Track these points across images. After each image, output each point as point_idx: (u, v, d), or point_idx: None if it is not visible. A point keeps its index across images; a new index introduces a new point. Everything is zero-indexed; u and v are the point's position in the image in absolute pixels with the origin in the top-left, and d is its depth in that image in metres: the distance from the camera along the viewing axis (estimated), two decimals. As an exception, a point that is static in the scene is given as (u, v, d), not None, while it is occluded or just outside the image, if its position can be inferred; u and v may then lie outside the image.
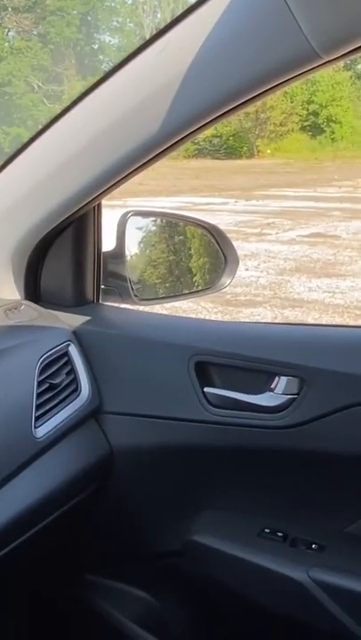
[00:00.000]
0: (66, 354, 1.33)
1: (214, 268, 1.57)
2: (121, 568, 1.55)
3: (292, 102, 31.78)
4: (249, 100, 1.06)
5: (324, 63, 0.96)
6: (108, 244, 1.46)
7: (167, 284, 1.61)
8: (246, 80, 1.02)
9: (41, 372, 1.24)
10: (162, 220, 1.73)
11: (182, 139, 1.14)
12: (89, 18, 39.25)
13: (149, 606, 1.52)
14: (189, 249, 1.69)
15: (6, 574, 1.29)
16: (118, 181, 1.24)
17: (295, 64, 0.96)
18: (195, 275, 1.65)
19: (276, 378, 1.27)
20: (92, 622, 1.59)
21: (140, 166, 1.20)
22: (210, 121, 1.10)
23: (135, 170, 1.21)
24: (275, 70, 0.98)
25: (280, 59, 0.96)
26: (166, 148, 1.16)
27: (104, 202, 1.39)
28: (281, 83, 1.02)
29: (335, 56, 0.94)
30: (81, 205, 1.27)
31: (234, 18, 0.98)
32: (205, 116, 1.08)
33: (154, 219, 1.72)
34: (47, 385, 1.26)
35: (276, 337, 1.36)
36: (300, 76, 1.00)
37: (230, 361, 1.30)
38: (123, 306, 1.47)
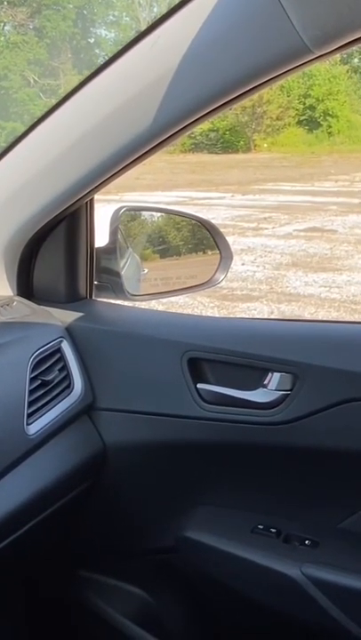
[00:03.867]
0: (58, 350, 1.33)
1: (208, 263, 1.57)
2: (115, 564, 1.55)
3: (288, 96, 31.72)
4: (242, 94, 1.05)
5: (317, 58, 0.96)
6: (101, 239, 1.45)
7: (161, 280, 1.60)
8: (239, 74, 1.01)
9: (33, 369, 1.24)
10: (155, 216, 1.73)
11: (176, 132, 1.13)
12: (85, 12, 39.14)
13: (143, 602, 1.52)
14: (183, 244, 1.69)
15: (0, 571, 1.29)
16: (112, 176, 1.23)
17: (287, 59, 0.96)
18: (188, 270, 1.64)
19: (270, 374, 1.27)
20: (85, 619, 1.59)
21: (134, 160, 1.20)
22: (204, 115, 1.10)
23: (129, 164, 1.21)
24: (267, 65, 0.98)
25: (272, 53, 0.96)
26: (160, 142, 1.15)
27: (99, 196, 1.38)
28: (273, 77, 1.01)
29: (327, 51, 0.93)
30: (74, 201, 1.27)
31: (226, 12, 0.98)
32: (199, 109, 1.08)
33: (147, 214, 1.71)
34: (39, 382, 1.25)
35: (269, 333, 1.35)
36: (293, 71, 1.00)
37: (223, 357, 1.29)
38: (116, 302, 1.47)
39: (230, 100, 1.07)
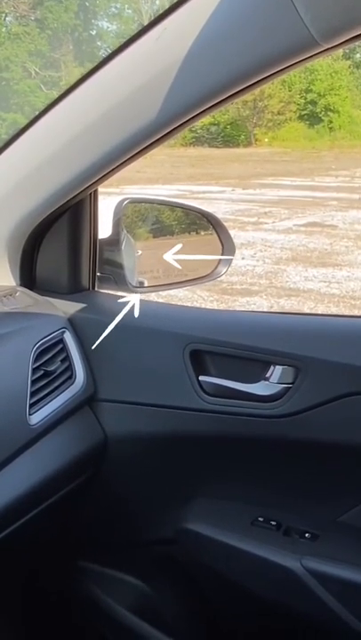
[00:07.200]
0: (61, 341, 1.33)
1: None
2: (114, 555, 1.56)
3: (290, 91, 31.71)
4: (247, 87, 1.05)
5: (324, 51, 0.95)
6: (104, 231, 1.45)
7: (163, 272, 1.60)
8: (244, 67, 1.01)
9: (36, 359, 1.24)
10: (158, 208, 1.73)
11: (179, 126, 1.13)
12: (87, 4, 39.02)
13: (142, 593, 1.52)
14: (185, 236, 1.69)
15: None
16: (115, 168, 1.23)
17: (294, 51, 0.95)
18: (191, 262, 1.64)
19: (272, 367, 1.27)
20: (84, 609, 1.59)
21: (137, 153, 1.19)
22: (207, 108, 1.09)
23: (132, 157, 1.20)
24: (273, 57, 0.97)
25: (279, 46, 0.95)
26: (163, 135, 1.15)
27: (100, 189, 1.38)
28: (279, 70, 1.00)
29: (334, 44, 0.93)
30: (77, 192, 1.26)
31: (234, 4, 0.97)
32: (203, 103, 1.07)
33: (150, 206, 1.71)
34: (42, 372, 1.25)
35: (272, 326, 1.35)
36: (299, 64, 0.99)
37: (225, 349, 1.30)
38: (118, 293, 1.47)
39: (236, 93, 1.06)
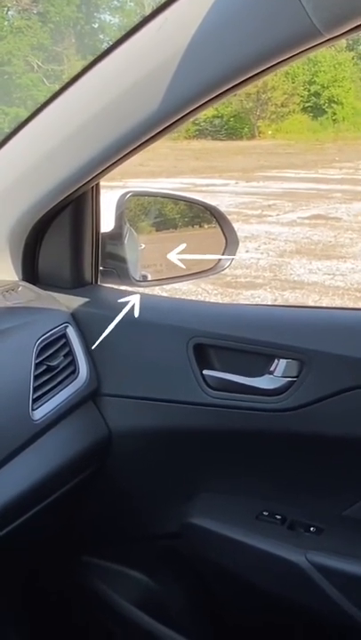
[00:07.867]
0: (64, 335, 1.33)
1: (214, 249, 1.56)
2: (119, 550, 1.56)
3: (293, 83, 31.62)
4: (249, 78, 1.04)
5: (326, 41, 0.94)
6: (106, 224, 1.45)
7: (166, 266, 1.60)
8: (247, 58, 1.00)
9: (38, 354, 1.24)
10: (161, 201, 1.72)
11: (182, 118, 1.12)
12: (89, -4, 38.92)
13: (147, 588, 1.52)
14: (189, 230, 1.68)
15: (3, 556, 1.29)
16: (117, 161, 1.22)
17: (296, 41, 0.95)
18: (194, 256, 1.64)
19: (276, 360, 1.27)
20: (89, 604, 1.59)
21: (139, 146, 1.19)
22: (210, 100, 1.08)
23: (134, 150, 1.20)
24: (275, 48, 0.97)
25: (281, 36, 0.95)
26: (166, 128, 1.14)
27: (103, 182, 1.38)
28: (282, 61, 0.99)
29: (337, 34, 0.92)
30: (79, 186, 1.26)
31: None
32: (205, 94, 1.07)
33: (153, 199, 1.70)
34: (45, 367, 1.25)
35: (276, 319, 1.35)
36: (302, 54, 0.98)
37: (229, 343, 1.29)
38: (121, 287, 1.46)
39: (238, 84, 1.05)
